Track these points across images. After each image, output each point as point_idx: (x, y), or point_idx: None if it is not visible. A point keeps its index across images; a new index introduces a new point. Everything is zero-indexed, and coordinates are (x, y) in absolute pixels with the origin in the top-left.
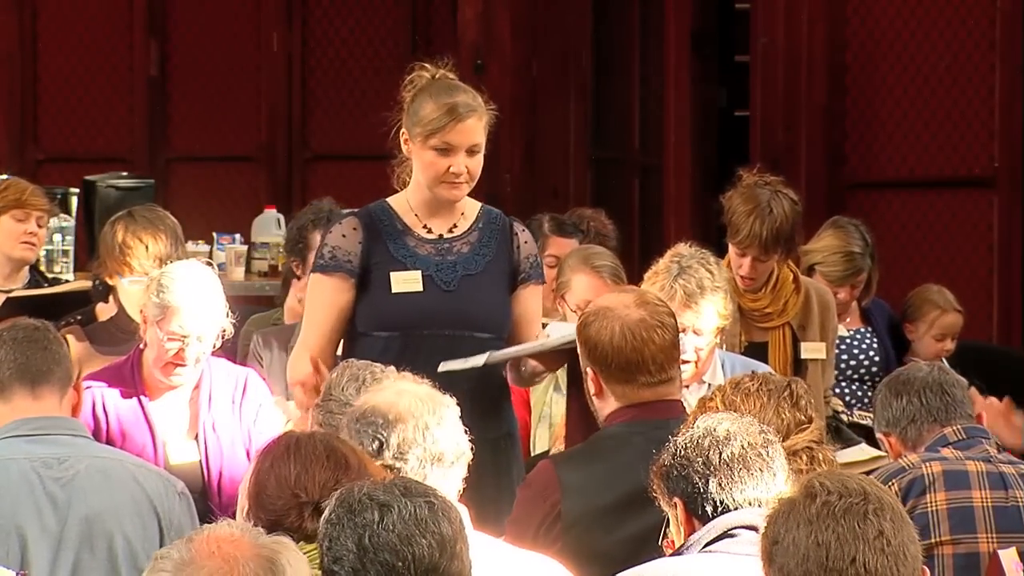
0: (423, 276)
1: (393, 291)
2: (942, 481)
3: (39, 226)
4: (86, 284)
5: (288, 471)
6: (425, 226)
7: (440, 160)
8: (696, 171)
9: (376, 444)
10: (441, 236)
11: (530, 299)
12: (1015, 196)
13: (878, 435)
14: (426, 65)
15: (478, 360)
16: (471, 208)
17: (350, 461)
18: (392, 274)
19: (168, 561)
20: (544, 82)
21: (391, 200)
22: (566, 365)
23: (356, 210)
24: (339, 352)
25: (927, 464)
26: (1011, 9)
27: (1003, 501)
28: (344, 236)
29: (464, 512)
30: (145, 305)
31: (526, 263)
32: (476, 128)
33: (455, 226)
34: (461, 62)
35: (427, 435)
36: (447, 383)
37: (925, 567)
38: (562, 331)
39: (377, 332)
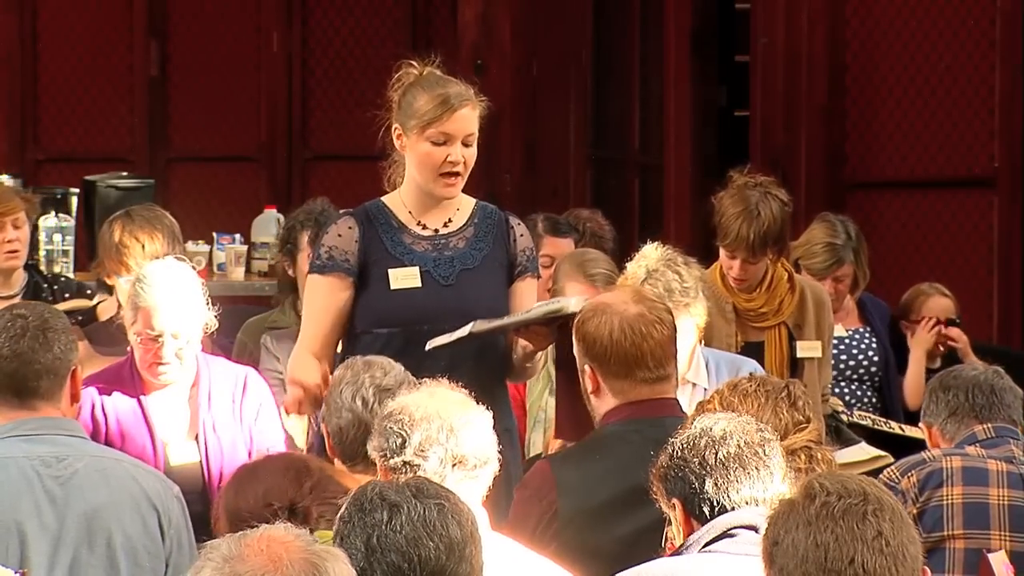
0: (421, 272)
1: (392, 288)
2: (960, 476)
3: (16, 228)
4: (84, 303)
5: (256, 489)
6: (420, 223)
7: (437, 151)
8: (696, 171)
9: (399, 441)
10: (436, 232)
11: (527, 292)
12: (1015, 196)
13: (921, 424)
14: (412, 63)
15: (463, 331)
16: (466, 204)
17: (310, 465)
18: (390, 271)
19: (217, 552)
20: (544, 82)
21: (386, 199)
22: (554, 353)
23: (352, 209)
24: (338, 351)
25: (948, 458)
26: (1011, 9)
27: (1020, 501)
28: (340, 235)
29: (484, 515)
30: (124, 310)
31: (522, 256)
32: (471, 118)
33: (449, 220)
34: (461, 62)
35: (451, 437)
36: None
37: (926, 567)
38: (547, 305)
39: (377, 329)
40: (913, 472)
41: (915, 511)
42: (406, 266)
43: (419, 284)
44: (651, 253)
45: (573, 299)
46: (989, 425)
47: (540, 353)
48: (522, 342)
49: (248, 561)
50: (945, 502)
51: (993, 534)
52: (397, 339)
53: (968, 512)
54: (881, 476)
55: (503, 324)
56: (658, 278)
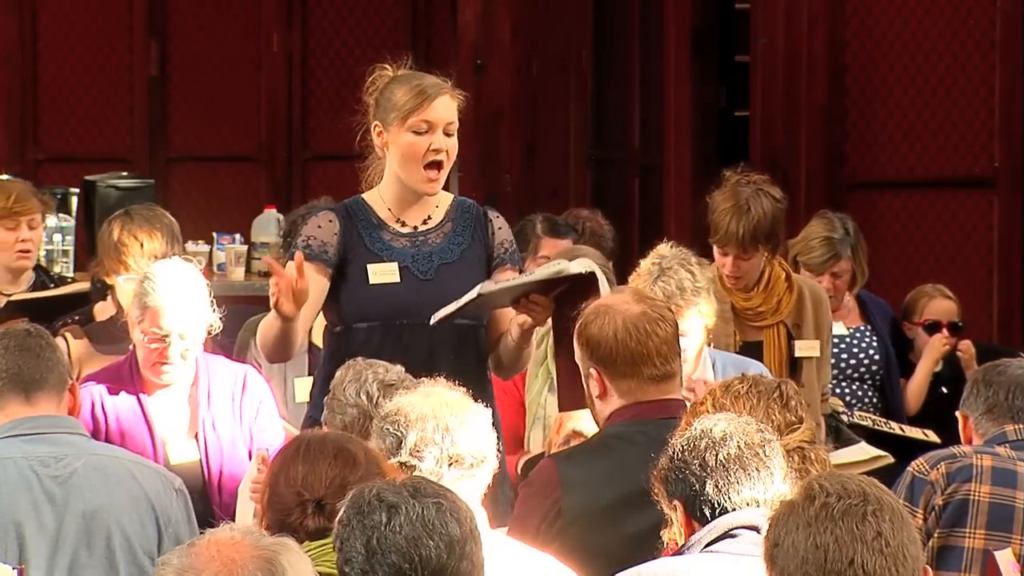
0: (400, 267)
1: (371, 282)
2: (990, 475)
3: (31, 228)
4: (86, 286)
5: (296, 471)
6: (399, 220)
7: (419, 140)
8: (696, 171)
9: (395, 441)
10: (415, 228)
11: None
12: (1015, 196)
13: (958, 412)
14: (385, 66)
15: (471, 294)
16: (444, 200)
17: (358, 459)
18: (369, 266)
19: (169, 567)
20: (544, 82)
21: (366, 195)
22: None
23: (333, 205)
24: (322, 346)
25: (978, 456)
26: (1011, 9)
27: None
28: (320, 227)
29: (483, 516)
30: (129, 308)
31: (500, 248)
32: (450, 106)
33: (429, 218)
34: (461, 62)
35: (446, 436)
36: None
37: (927, 567)
38: (548, 267)
39: (357, 324)
40: (943, 464)
41: (941, 502)
42: (385, 262)
43: (398, 279)
44: (665, 251)
45: (574, 262)
46: (1021, 427)
47: (534, 335)
48: (519, 319)
49: (204, 570)
50: (972, 497)
51: (1014, 538)
52: (377, 333)
53: (993, 513)
54: (910, 468)
55: (510, 285)
56: (671, 275)
